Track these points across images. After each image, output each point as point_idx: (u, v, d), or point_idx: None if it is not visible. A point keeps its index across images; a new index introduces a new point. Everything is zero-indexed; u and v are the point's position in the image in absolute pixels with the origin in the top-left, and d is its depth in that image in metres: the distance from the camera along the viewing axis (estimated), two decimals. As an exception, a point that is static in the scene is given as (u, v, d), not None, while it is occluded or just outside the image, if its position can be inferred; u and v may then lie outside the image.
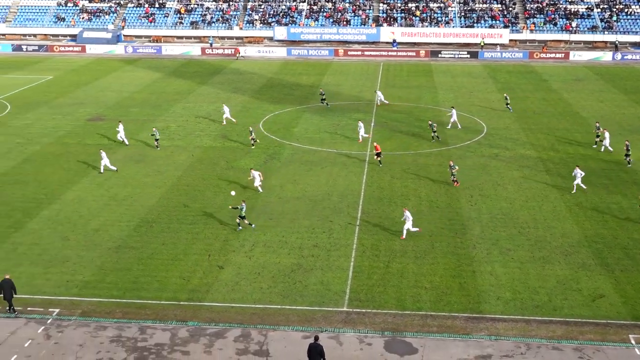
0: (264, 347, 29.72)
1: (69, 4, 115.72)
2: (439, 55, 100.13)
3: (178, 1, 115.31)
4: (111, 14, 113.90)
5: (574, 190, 46.05)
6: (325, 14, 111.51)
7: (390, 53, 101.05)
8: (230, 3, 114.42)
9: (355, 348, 29.66)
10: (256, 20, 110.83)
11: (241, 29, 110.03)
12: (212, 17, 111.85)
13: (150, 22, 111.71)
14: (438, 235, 40.14)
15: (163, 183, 48.22)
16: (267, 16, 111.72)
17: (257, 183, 46.16)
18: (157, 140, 55.79)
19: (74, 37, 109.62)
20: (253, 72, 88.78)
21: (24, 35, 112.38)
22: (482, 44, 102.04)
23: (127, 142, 56.79)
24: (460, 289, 34.26)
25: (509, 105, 68.38)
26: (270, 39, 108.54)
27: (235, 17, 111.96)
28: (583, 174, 46.33)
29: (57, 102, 71.71)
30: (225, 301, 33.20)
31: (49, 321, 31.60)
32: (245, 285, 34.55)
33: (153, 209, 43.72)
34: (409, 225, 39.57)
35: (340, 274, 35.70)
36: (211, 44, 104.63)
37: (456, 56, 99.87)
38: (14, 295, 32.22)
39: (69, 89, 77.99)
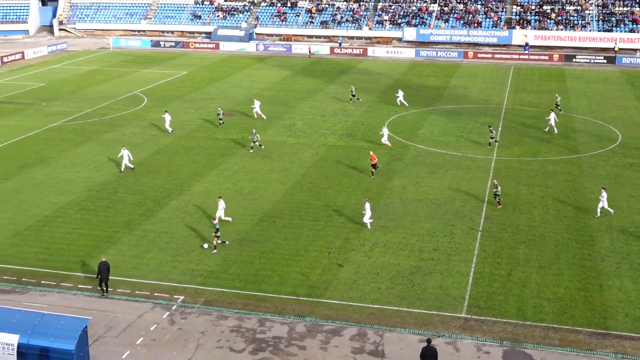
0: (380, 347, 29.71)
1: (205, 2, 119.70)
2: (574, 60, 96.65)
3: (310, 1, 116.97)
4: (245, 13, 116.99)
5: (598, 215, 42.45)
6: (456, 15, 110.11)
7: (521, 56, 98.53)
8: (361, 3, 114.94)
9: (473, 356, 29.15)
10: (386, 20, 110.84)
11: (370, 29, 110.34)
12: (342, 17, 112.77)
13: (282, 20, 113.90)
14: (564, 245, 38.83)
15: (287, 179, 49.08)
16: (396, 17, 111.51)
17: (220, 212, 41.03)
18: (220, 119, 62.10)
19: (208, 35, 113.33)
20: (380, 72, 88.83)
21: (162, 31, 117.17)
22: (616, 48, 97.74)
23: (170, 131, 60.08)
24: (585, 302, 33.01)
25: (559, 107, 65.83)
26: (399, 39, 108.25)
27: (365, 17, 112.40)
28: (606, 195, 42.53)
29: (190, 97, 74.35)
30: (343, 299, 33.41)
31: (173, 307, 32.84)
32: (363, 285, 34.65)
33: (277, 205, 44.56)
34: (366, 218, 40.68)
35: (460, 279, 35.19)
36: (340, 44, 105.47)
37: (592, 61, 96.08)
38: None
39: (202, 85, 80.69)
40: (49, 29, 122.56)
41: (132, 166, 50.92)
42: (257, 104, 65.55)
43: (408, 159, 53.39)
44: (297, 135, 59.81)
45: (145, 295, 33.84)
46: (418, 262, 36.88)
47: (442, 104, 71.01)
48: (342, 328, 31.10)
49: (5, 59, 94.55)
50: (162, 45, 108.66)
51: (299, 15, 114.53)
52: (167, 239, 39.84)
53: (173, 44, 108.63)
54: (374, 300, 33.30)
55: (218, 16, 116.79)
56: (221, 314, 32.27)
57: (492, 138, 56.27)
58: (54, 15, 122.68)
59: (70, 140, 58.28)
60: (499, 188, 44.36)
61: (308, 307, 32.83)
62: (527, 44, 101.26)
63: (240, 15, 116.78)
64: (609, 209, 42.57)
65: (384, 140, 55.73)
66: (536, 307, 32.62)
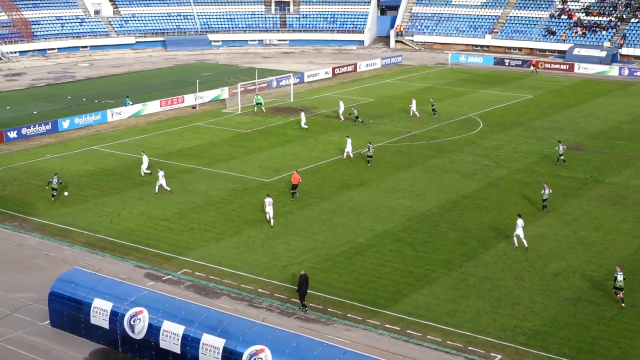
0: None
1: (562, 17, 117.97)
2: None
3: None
4: (609, 30, 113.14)
5: None
6: None
7: None
8: None
9: None
10: None
11: None
12: None
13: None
14: None
15: (643, 233, 46.38)
16: None
17: (162, 182, 52.04)
18: (357, 118, 72.81)
19: (562, 54, 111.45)
20: None
21: (508, 48, 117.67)
22: None
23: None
24: None
25: None
26: None
27: None
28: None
29: (532, 125, 73.53)
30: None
31: (488, 366, 32.52)
32: None
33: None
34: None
35: None
36: None
37: None
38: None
39: (548, 111, 79.38)
40: (385, 40, 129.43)
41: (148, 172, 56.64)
42: (341, 105, 75.11)
43: None
44: (660, 180, 56.25)
45: (458, 347, 33.96)
46: None
47: None
48: None
49: (337, 70, 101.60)
50: (507, 64, 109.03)
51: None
52: (489, 286, 39.63)
53: (519, 62, 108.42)
54: None
55: (576, 32, 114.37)
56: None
57: (560, 155, 59.43)
58: (392, 26, 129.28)
59: (393, 163, 60.69)
60: (546, 191, 48.99)
61: (653, 393, 30.58)
62: None
63: (604, 32, 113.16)
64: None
65: (348, 151, 61.11)
66: None
